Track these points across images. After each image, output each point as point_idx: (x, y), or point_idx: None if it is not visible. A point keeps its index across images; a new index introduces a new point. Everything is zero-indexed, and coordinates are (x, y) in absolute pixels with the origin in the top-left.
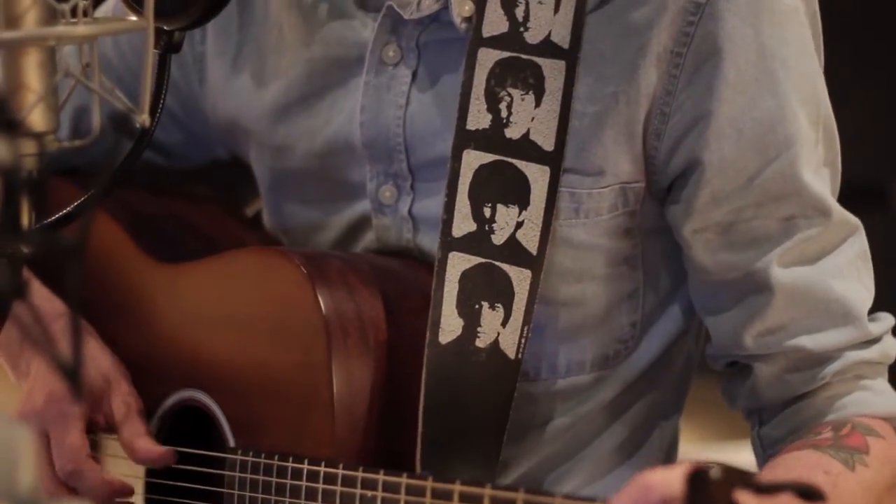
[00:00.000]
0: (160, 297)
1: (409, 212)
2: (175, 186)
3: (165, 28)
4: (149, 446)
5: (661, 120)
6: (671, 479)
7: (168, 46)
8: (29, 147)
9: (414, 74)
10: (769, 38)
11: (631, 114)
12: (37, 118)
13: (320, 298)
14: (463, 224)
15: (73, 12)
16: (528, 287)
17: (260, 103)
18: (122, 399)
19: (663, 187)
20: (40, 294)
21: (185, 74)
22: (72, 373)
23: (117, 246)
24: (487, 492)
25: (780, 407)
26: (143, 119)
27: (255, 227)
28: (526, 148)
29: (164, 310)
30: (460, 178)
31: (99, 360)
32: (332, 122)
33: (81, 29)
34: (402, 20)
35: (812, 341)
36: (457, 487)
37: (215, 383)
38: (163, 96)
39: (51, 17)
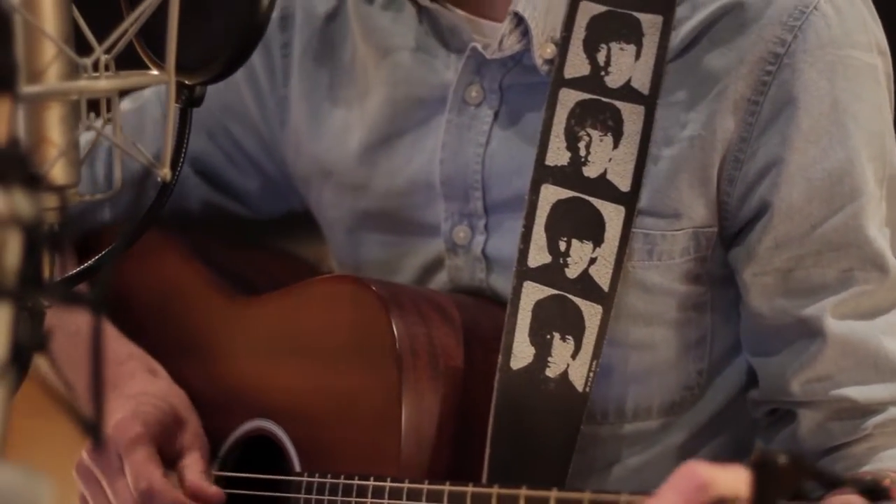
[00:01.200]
0: (232, 330)
1: (483, 251)
2: (250, 235)
3: (187, 83)
4: (201, 484)
5: (735, 166)
6: (728, 476)
7: (189, 101)
8: (50, 201)
9: (496, 115)
10: (844, 92)
11: (706, 159)
12: (58, 172)
13: (392, 321)
14: (538, 255)
15: (96, 66)
16: (598, 322)
17: (344, 144)
18: (189, 436)
19: (734, 232)
20: (111, 334)
21: (266, 118)
22: (93, 426)
23: (191, 283)
24: (553, 494)
25: (819, 455)
26: (165, 173)
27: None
28: (602, 187)
29: (235, 342)
30: (538, 210)
31: (169, 396)
32: (413, 161)
33: (103, 83)
34: (486, 61)
35: (858, 393)
36: (523, 492)
37: (283, 411)
38: (184, 150)
39: (73, 71)
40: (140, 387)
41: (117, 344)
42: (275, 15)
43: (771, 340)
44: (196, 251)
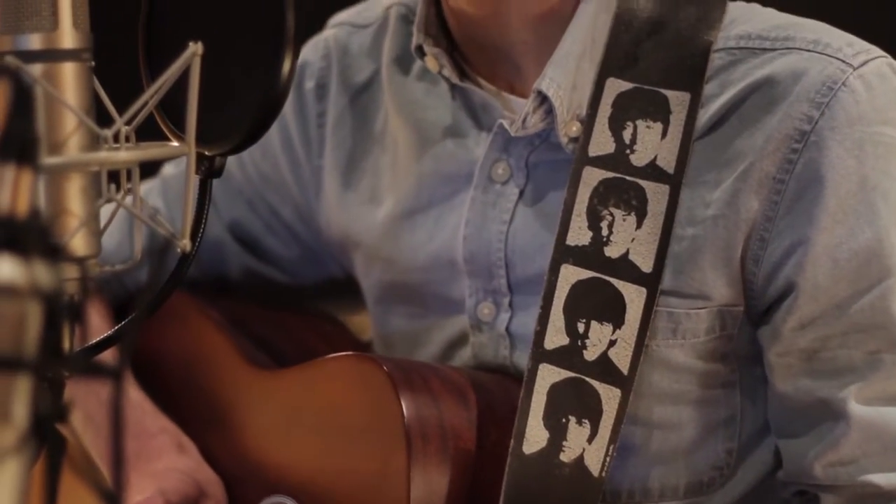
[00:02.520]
0: (255, 402)
1: (507, 329)
2: (290, 302)
3: (207, 154)
4: None
5: (760, 245)
6: None
7: (209, 172)
8: (70, 272)
9: (521, 192)
10: (872, 170)
11: (730, 238)
12: (78, 243)
13: (403, 403)
14: (556, 337)
15: (116, 138)
16: (616, 406)
17: (370, 216)
18: None
19: (761, 312)
20: (144, 407)
21: (303, 188)
22: (112, 497)
23: (221, 351)
24: None
25: None
26: (185, 244)
27: (361, 344)
28: (624, 267)
29: (257, 415)
30: (556, 291)
31: (196, 473)
32: (436, 237)
33: (124, 154)
34: (513, 140)
35: (884, 479)
36: None
37: (300, 488)
38: (204, 221)
39: (93, 142)
40: (167, 463)
41: (150, 418)
42: (311, 84)
43: (795, 421)
44: (231, 318)
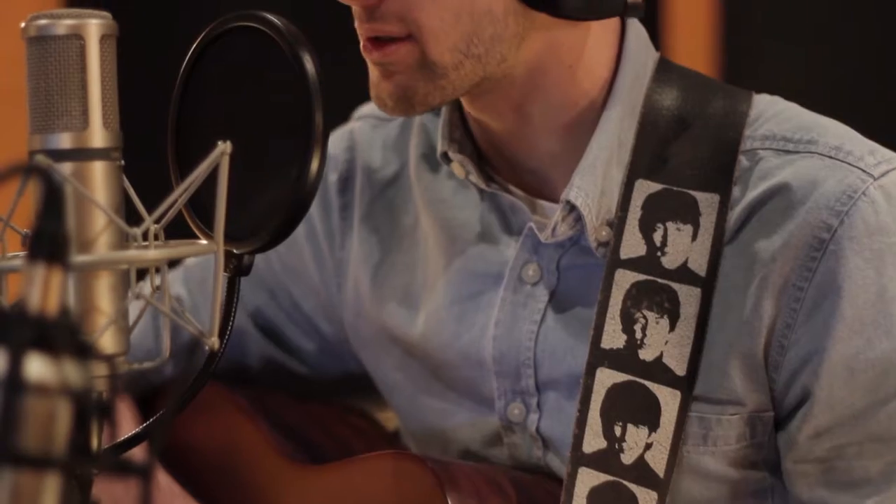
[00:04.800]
0: (293, 498)
1: (537, 430)
2: (316, 397)
3: (235, 252)
4: None
5: (779, 352)
6: None
7: (237, 269)
8: (99, 369)
9: (552, 294)
10: (890, 281)
11: (753, 345)
12: (107, 341)
13: (450, 502)
14: (594, 440)
15: (145, 236)
16: None
17: (403, 311)
18: None
19: (782, 420)
20: (172, 491)
21: (325, 281)
22: None
23: (253, 443)
24: None
25: None
26: (213, 342)
27: (393, 439)
28: (658, 371)
29: None
30: (593, 395)
31: None
32: (462, 336)
33: (152, 253)
34: (544, 243)
35: None
36: None
37: None
38: (231, 319)
39: (122, 240)
40: None
41: (179, 500)
42: (334, 177)
43: None
44: (261, 407)
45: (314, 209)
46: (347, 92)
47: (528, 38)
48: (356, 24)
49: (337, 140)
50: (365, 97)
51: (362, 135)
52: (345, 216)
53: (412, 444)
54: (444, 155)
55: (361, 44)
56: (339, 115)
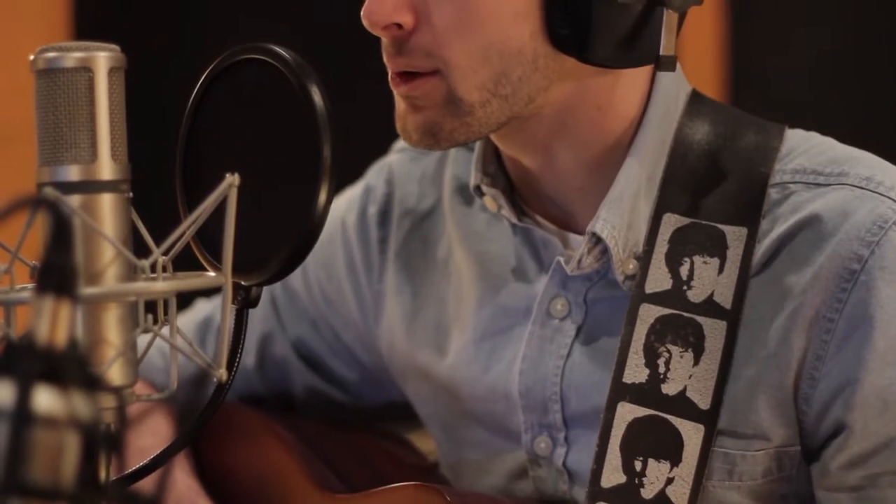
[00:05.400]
0: None
1: (564, 464)
2: (354, 423)
3: (243, 283)
4: None
5: (811, 385)
6: None
7: (246, 301)
8: (107, 401)
9: (579, 328)
10: None
11: (782, 378)
12: (115, 373)
13: None
14: (612, 475)
15: (153, 268)
16: None
17: (435, 344)
18: None
19: (814, 450)
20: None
21: (364, 313)
22: None
23: (286, 470)
24: None
25: None
26: (221, 374)
27: (431, 468)
28: (682, 405)
29: None
30: (613, 429)
31: None
32: (491, 369)
33: (161, 285)
34: (571, 277)
35: None
36: None
37: None
38: (240, 351)
39: (131, 272)
40: None
41: (202, 500)
42: (374, 210)
43: None
44: (300, 436)
45: (354, 241)
46: (356, 123)
47: (558, 82)
48: (384, 57)
49: (376, 173)
50: (373, 130)
51: (400, 168)
52: (383, 249)
53: (449, 474)
54: (477, 188)
55: (389, 76)
56: (348, 147)
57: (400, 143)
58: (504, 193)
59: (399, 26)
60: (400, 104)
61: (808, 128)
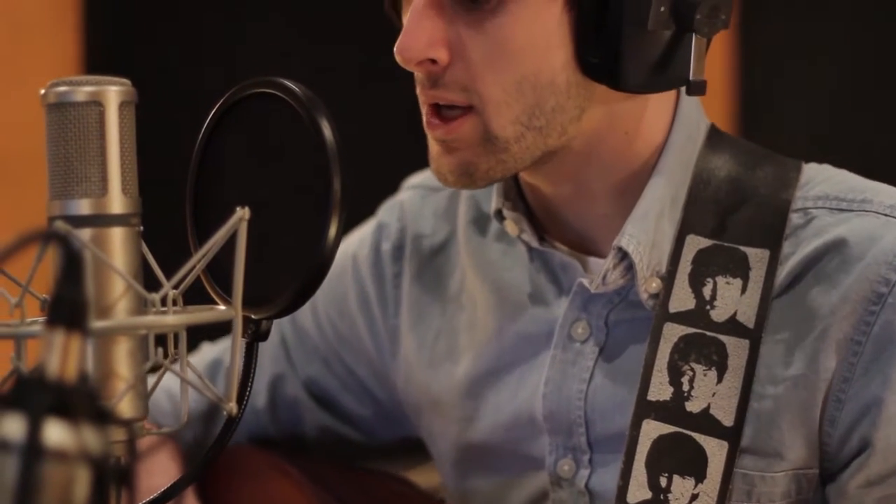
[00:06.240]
0: None
1: (586, 486)
2: (365, 465)
3: (253, 317)
4: None
5: (836, 407)
6: None
7: (256, 335)
8: (118, 434)
9: (601, 350)
10: None
11: (808, 399)
12: (126, 406)
13: None
14: (638, 492)
15: (164, 301)
16: None
17: (451, 376)
18: None
19: (834, 473)
20: None
21: (379, 347)
22: None
23: None
24: None
25: None
26: (231, 408)
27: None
28: (706, 422)
29: None
30: (638, 446)
31: None
32: (517, 396)
33: (171, 319)
34: (592, 297)
35: None
36: None
37: None
38: (250, 384)
39: (141, 306)
40: None
41: None
42: (388, 246)
43: None
44: (310, 476)
45: (368, 278)
46: (366, 157)
47: (589, 110)
48: (418, 91)
49: (389, 210)
50: (382, 163)
51: (412, 205)
52: (397, 284)
53: None
54: (499, 212)
55: (424, 120)
56: (358, 180)
57: (411, 181)
58: (525, 218)
59: (433, 62)
60: (433, 146)
61: (820, 160)
